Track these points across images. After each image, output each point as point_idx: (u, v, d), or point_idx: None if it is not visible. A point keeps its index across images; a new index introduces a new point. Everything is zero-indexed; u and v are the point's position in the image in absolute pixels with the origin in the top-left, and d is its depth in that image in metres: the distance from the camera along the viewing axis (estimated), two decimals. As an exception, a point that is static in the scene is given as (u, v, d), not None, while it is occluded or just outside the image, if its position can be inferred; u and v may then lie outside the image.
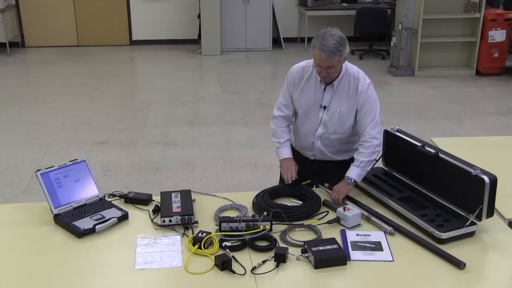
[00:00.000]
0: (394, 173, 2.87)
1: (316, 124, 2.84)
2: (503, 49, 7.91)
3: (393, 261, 2.24)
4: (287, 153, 2.91)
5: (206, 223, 2.50)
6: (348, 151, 2.93)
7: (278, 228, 2.42)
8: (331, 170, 2.88)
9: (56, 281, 2.12)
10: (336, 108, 2.77)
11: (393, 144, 2.84)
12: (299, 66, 2.84)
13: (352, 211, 2.48)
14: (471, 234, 2.39)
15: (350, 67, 2.77)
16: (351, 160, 2.82)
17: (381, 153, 2.86)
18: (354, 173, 2.72)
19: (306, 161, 2.96)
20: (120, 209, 2.56)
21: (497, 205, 2.43)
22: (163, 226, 2.45)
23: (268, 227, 2.37)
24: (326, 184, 2.84)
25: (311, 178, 2.89)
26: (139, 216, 2.57)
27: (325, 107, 2.79)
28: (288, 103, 2.89)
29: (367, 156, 2.72)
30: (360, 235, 2.41)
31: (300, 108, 2.87)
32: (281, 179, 2.91)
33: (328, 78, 2.68)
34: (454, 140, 4.24)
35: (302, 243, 2.29)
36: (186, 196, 2.64)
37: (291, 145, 3.00)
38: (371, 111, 2.74)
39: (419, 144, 2.65)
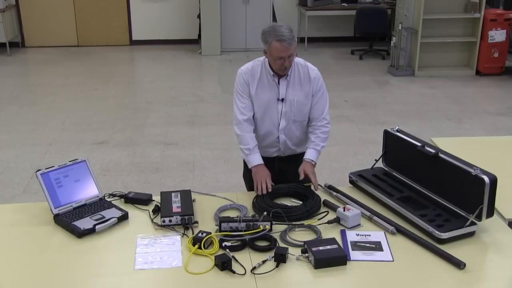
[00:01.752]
0: (394, 173, 2.87)
1: (278, 118, 2.89)
2: (503, 49, 7.91)
3: (393, 261, 2.24)
4: (258, 159, 2.87)
5: (206, 223, 2.50)
6: (305, 142, 3.02)
7: (278, 228, 2.42)
8: (293, 166, 2.93)
9: (56, 281, 2.12)
10: (293, 97, 2.85)
11: (393, 144, 2.85)
12: (247, 67, 2.90)
13: (352, 211, 2.48)
14: (471, 234, 2.39)
15: (295, 58, 2.86)
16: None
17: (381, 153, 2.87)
18: (313, 155, 2.87)
19: (268, 160, 2.96)
20: (120, 209, 2.57)
21: (497, 205, 2.43)
22: (163, 226, 2.45)
23: (268, 227, 2.37)
24: (326, 184, 2.84)
25: (275, 177, 2.89)
26: (139, 216, 2.57)
27: (282, 100, 2.85)
28: (247, 104, 2.88)
29: (324, 141, 2.92)
30: (360, 235, 2.41)
31: (259, 106, 2.88)
32: (246, 172, 2.97)
33: (289, 67, 2.76)
34: (454, 140, 4.24)
35: (302, 243, 2.29)
36: (186, 196, 2.64)
37: None
38: (324, 97, 2.91)
39: (419, 144, 2.65)
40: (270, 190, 2.72)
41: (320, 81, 2.89)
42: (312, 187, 2.78)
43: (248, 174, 3.00)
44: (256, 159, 2.87)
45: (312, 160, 2.86)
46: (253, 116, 2.91)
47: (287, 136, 2.94)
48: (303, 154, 3.00)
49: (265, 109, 2.88)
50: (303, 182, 2.82)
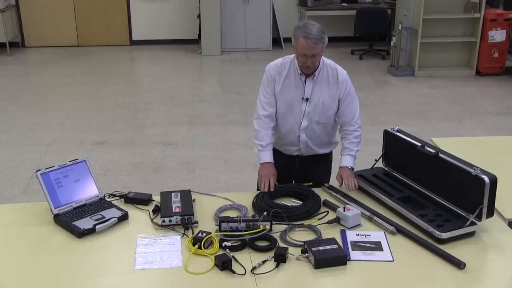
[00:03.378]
0: (394, 173, 2.87)
1: (300, 117, 2.87)
2: (503, 49, 7.91)
3: (393, 261, 2.24)
4: (268, 157, 2.87)
5: (206, 223, 2.50)
6: (328, 144, 3.02)
7: (278, 228, 2.42)
8: (313, 166, 2.96)
9: (56, 281, 2.12)
10: (318, 98, 2.83)
11: (393, 144, 2.85)
12: (276, 63, 2.89)
13: (352, 211, 2.48)
14: (471, 234, 2.39)
15: (326, 59, 2.86)
16: (331, 154, 3.05)
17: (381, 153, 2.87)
18: (350, 161, 2.87)
19: (289, 158, 2.97)
20: (120, 209, 2.57)
21: (497, 205, 2.43)
22: (163, 226, 2.45)
23: (268, 227, 2.37)
24: (326, 184, 2.84)
25: (294, 176, 2.91)
26: (139, 216, 2.57)
27: (307, 99, 2.83)
28: (270, 100, 2.88)
29: (358, 145, 2.91)
30: (360, 235, 2.41)
31: (283, 103, 2.87)
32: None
33: (312, 67, 2.73)
34: (454, 140, 4.24)
35: (302, 243, 2.29)
36: (186, 196, 2.64)
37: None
38: (354, 101, 2.89)
39: (419, 144, 2.65)
40: (272, 189, 2.73)
41: (348, 85, 2.85)
42: (345, 183, 2.78)
43: None
44: (266, 157, 2.87)
45: (348, 166, 2.84)
46: (276, 112, 2.90)
47: (308, 136, 2.91)
48: (324, 155, 3.01)
49: (289, 107, 2.86)
50: (303, 182, 2.83)
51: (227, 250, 2.26)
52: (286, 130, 2.93)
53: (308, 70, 2.75)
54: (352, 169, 2.86)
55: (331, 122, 2.92)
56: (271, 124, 2.90)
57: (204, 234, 2.32)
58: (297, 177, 2.97)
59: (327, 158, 3.07)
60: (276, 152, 2.97)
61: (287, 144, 2.98)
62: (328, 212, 2.58)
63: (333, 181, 2.93)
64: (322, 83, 2.82)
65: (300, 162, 3.00)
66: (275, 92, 2.86)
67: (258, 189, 2.89)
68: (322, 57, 2.80)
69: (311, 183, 2.86)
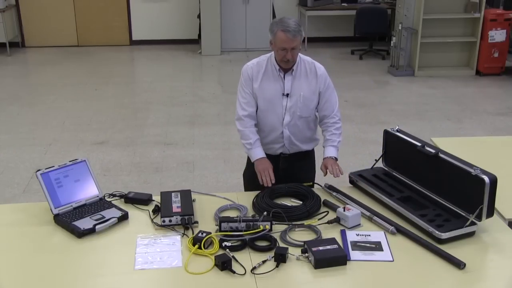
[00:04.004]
0: (394, 173, 2.87)
1: (282, 113, 2.89)
2: (503, 49, 7.91)
3: (393, 261, 2.24)
4: (260, 153, 2.91)
5: (206, 223, 2.50)
6: (311, 139, 3.04)
7: (278, 228, 2.42)
8: (297, 163, 2.99)
9: (56, 281, 2.12)
10: (299, 93, 2.86)
11: (393, 144, 2.85)
12: (253, 62, 2.93)
13: (352, 211, 2.48)
14: (471, 234, 2.39)
15: (302, 55, 2.90)
16: (313, 151, 3.09)
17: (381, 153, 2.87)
18: (333, 151, 2.91)
19: (273, 158, 2.97)
20: (120, 209, 2.56)
21: (497, 205, 2.43)
22: (163, 226, 2.45)
23: (268, 227, 2.37)
24: (327, 184, 2.84)
25: (280, 176, 2.92)
26: (139, 216, 2.57)
27: (287, 95, 2.86)
28: (249, 100, 2.90)
29: (339, 136, 2.97)
30: (360, 235, 2.41)
31: (263, 100, 2.88)
32: (248, 171, 3.01)
33: (292, 61, 2.78)
34: (454, 140, 4.24)
35: (302, 243, 2.29)
36: (186, 196, 2.64)
37: None
38: (333, 94, 2.96)
39: (419, 144, 2.65)
40: (274, 181, 2.76)
41: (327, 79, 2.92)
42: (330, 171, 2.81)
43: (248, 172, 3.00)
44: (258, 153, 2.89)
45: (332, 156, 2.89)
46: (257, 110, 2.92)
47: (291, 132, 2.93)
48: (308, 152, 3.03)
49: (270, 104, 2.88)
50: (290, 181, 2.84)
51: (227, 250, 2.26)
52: (269, 128, 2.94)
53: (287, 64, 2.79)
54: (336, 159, 2.89)
55: (313, 116, 2.97)
56: (253, 123, 2.93)
57: (204, 234, 2.32)
58: (282, 177, 2.95)
59: (310, 156, 3.10)
60: None
61: (270, 143, 2.98)
62: (328, 212, 2.58)
63: (319, 180, 2.92)
64: (301, 78, 2.87)
65: (284, 161, 3.02)
66: (254, 91, 2.88)
67: (245, 190, 2.99)
68: (299, 53, 2.84)
69: (311, 183, 2.86)
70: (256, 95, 2.88)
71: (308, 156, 3.07)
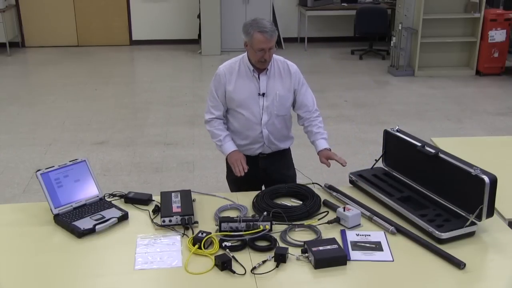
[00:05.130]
0: (394, 173, 2.87)
1: (260, 113, 2.92)
2: (503, 49, 7.91)
3: (393, 261, 2.24)
4: (231, 146, 2.95)
5: (206, 223, 2.50)
6: (287, 137, 3.08)
7: (278, 228, 2.42)
8: (276, 162, 3.03)
9: (56, 281, 2.12)
10: (275, 92, 2.90)
11: (393, 144, 2.85)
12: (225, 65, 2.96)
13: (352, 211, 2.48)
14: (471, 234, 2.39)
15: (274, 55, 2.91)
16: (289, 149, 3.13)
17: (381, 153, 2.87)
18: (326, 143, 2.97)
19: (252, 160, 2.98)
20: (120, 209, 2.56)
21: (497, 205, 2.43)
22: (163, 226, 2.45)
23: (268, 227, 2.37)
24: (327, 184, 2.84)
25: (261, 177, 2.97)
26: (139, 216, 2.57)
27: (263, 94, 2.89)
28: (216, 104, 2.95)
29: (325, 129, 3.03)
30: (360, 235, 2.41)
31: (239, 102, 2.90)
32: (230, 173, 3.03)
33: (269, 61, 2.81)
34: (454, 140, 4.24)
35: (302, 243, 2.29)
36: (186, 196, 2.64)
37: None
38: (308, 90, 3.01)
39: (419, 144, 2.65)
40: (246, 170, 2.82)
41: (301, 76, 2.98)
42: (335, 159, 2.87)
43: (231, 174, 3.01)
44: (228, 147, 2.94)
45: (326, 148, 2.93)
46: (234, 111, 2.94)
47: (269, 131, 2.96)
48: (285, 151, 3.08)
49: (246, 104, 2.90)
50: (270, 181, 2.87)
51: (227, 250, 2.26)
52: (247, 128, 2.95)
53: (264, 64, 2.82)
54: (330, 150, 2.94)
55: (289, 114, 3.01)
56: (221, 121, 2.99)
57: (204, 234, 2.32)
58: (264, 177, 3.01)
59: (287, 154, 3.14)
60: None
61: (250, 143, 2.99)
62: (328, 212, 2.58)
63: (319, 180, 2.93)
64: (275, 77, 2.90)
65: (264, 162, 3.04)
66: (228, 94, 2.91)
67: (228, 177, 3.08)
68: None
69: (310, 183, 2.86)
70: (232, 97, 2.90)
71: (285, 155, 3.12)
